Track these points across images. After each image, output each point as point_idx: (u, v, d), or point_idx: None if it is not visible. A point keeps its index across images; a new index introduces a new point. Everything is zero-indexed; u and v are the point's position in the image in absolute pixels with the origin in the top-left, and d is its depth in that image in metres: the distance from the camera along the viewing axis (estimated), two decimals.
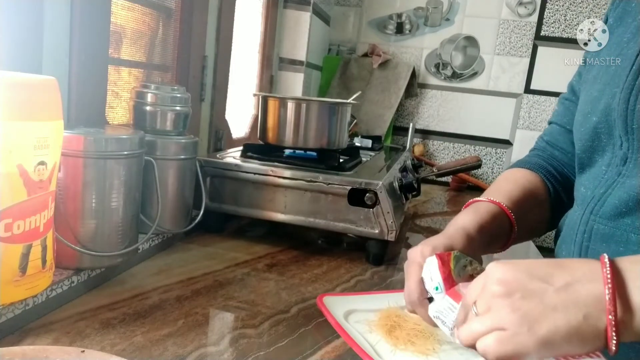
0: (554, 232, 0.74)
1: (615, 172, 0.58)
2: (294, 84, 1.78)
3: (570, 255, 0.63)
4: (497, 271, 0.47)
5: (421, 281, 0.60)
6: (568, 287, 0.43)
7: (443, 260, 0.58)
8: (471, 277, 0.57)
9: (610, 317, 0.41)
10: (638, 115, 0.54)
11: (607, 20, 0.67)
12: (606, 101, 0.59)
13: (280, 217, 0.96)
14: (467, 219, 0.65)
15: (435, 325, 0.59)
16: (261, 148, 1.08)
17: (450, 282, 0.57)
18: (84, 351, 0.45)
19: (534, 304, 0.43)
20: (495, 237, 0.67)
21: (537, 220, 0.74)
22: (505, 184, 0.73)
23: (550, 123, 0.79)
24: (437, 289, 0.57)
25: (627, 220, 0.55)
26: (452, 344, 0.59)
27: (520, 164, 0.77)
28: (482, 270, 0.55)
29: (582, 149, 0.64)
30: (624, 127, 0.56)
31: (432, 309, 0.57)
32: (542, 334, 0.42)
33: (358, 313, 0.66)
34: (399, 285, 0.84)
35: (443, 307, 0.56)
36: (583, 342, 0.42)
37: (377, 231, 0.91)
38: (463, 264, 0.58)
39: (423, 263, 0.59)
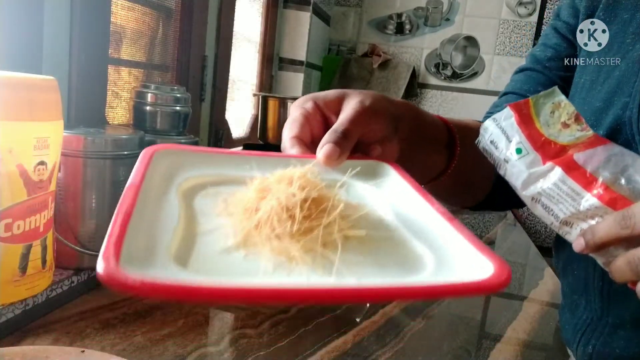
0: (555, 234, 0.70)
1: None
2: (294, 84, 1.78)
3: (580, 272, 0.55)
4: None
5: (305, 120, 0.41)
6: None
7: (520, 112, 0.42)
8: (565, 125, 0.42)
9: None
10: None
11: (577, 11, 0.60)
12: (615, 112, 0.51)
13: None
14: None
15: None
16: (261, 148, 1.08)
17: (538, 140, 0.41)
18: (84, 351, 0.45)
19: None
20: (429, 128, 0.52)
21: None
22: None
23: (504, 94, 0.65)
24: (519, 151, 0.42)
25: None
26: (358, 247, 0.29)
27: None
28: (575, 112, 0.42)
29: None
30: None
31: (534, 188, 0.41)
32: None
33: (215, 186, 0.36)
34: None
35: (552, 187, 0.40)
36: None
37: None
38: (549, 109, 0.42)
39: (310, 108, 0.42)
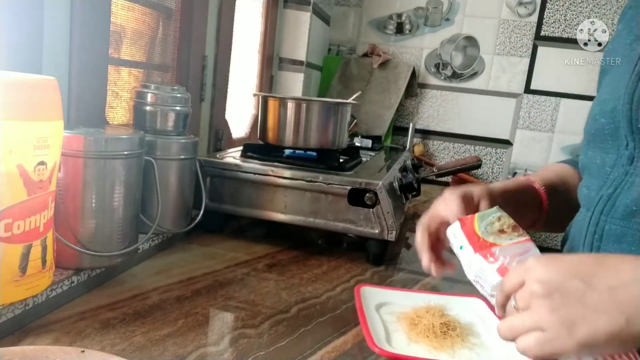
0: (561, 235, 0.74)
1: (622, 172, 0.58)
2: (294, 84, 1.78)
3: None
4: (537, 269, 0.45)
5: (429, 229, 0.64)
6: (611, 290, 0.42)
7: (465, 223, 0.58)
8: (502, 232, 0.56)
9: None
10: None
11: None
12: (613, 103, 0.59)
13: (280, 217, 0.96)
14: (495, 184, 0.69)
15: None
16: (261, 148, 1.08)
17: (475, 240, 0.56)
18: (84, 351, 0.45)
19: (573, 305, 0.42)
20: (521, 206, 0.68)
21: (572, 201, 0.71)
22: (541, 170, 0.79)
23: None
24: (461, 247, 0.57)
25: (639, 219, 0.55)
26: (469, 347, 0.61)
27: (560, 161, 0.82)
28: (513, 224, 0.57)
29: (589, 151, 0.64)
30: (629, 127, 0.56)
31: (472, 273, 0.56)
32: (581, 336, 0.42)
33: (392, 306, 0.70)
34: (399, 285, 0.84)
35: (481, 269, 0.55)
36: (624, 344, 0.42)
37: (377, 231, 0.91)
38: (489, 221, 0.57)
39: (444, 213, 0.63)
